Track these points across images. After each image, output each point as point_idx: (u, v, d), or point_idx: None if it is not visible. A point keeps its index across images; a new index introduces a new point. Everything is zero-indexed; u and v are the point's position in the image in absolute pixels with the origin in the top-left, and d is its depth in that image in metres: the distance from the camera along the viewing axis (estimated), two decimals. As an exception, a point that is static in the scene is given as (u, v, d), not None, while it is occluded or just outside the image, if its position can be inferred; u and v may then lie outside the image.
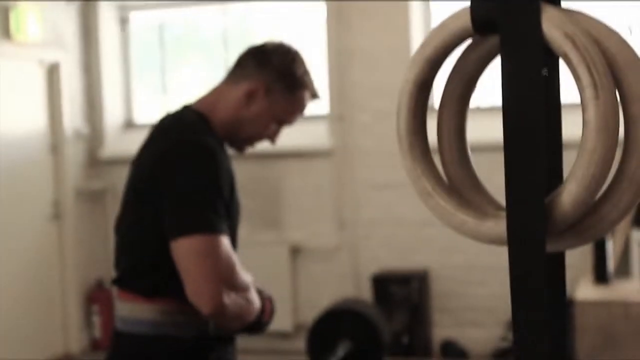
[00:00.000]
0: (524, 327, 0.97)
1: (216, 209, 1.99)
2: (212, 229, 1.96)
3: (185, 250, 1.95)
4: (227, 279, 1.99)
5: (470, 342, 5.74)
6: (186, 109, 2.21)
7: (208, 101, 2.21)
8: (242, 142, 2.22)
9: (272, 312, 2.19)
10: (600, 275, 4.25)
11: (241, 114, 2.16)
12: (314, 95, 2.23)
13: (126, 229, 2.14)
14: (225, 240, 1.99)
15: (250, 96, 2.16)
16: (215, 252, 1.96)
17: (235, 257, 2.03)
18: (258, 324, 2.13)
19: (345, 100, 5.89)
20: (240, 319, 2.07)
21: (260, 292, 2.16)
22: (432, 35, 1.05)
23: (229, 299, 1.98)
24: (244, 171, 5.81)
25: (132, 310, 2.08)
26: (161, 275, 2.05)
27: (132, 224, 2.12)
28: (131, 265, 2.12)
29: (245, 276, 2.08)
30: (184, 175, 2.01)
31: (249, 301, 2.08)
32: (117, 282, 2.14)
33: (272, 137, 2.23)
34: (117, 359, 2.15)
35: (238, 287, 2.04)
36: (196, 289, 1.95)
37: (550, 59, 1.01)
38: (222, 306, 1.96)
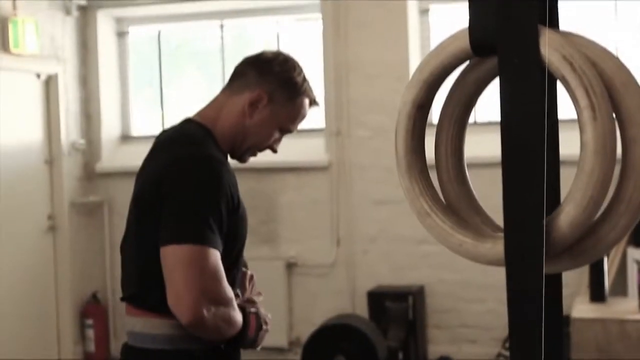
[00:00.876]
0: (521, 346, 0.98)
1: (209, 224, 1.98)
2: (201, 241, 1.96)
3: (171, 257, 1.96)
4: (210, 292, 1.97)
5: (465, 358, 5.72)
6: (188, 122, 2.21)
7: (210, 113, 2.21)
8: (245, 151, 2.22)
9: (259, 328, 2.15)
10: (597, 293, 4.24)
11: (245, 123, 2.17)
12: (314, 102, 2.25)
13: (132, 245, 2.14)
14: (213, 254, 1.98)
15: (253, 105, 2.16)
16: (201, 263, 1.95)
17: (222, 272, 2.01)
18: (241, 339, 2.11)
19: (342, 114, 5.89)
20: (219, 333, 2.05)
21: (243, 309, 2.12)
22: (430, 56, 1.06)
23: (209, 312, 1.97)
24: (240, 185, 5.80)
25: (143, 326, 2.08)
26: None
27: (137, 240, 2.12)
28: (139, 281, 2.12)
29: (229, 292, 2.06)
30: (184, 189, 2.01)
31: (230, 317, 2.05)
32: (126, 299, 2.15)
33: (274, 146, 2.24)
34: None
35: (220, 302, 2.01)
36: (176, 296, 1.95)
37: (548, 81, 1.02)
38: (201, 317, 1.95)
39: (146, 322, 2.08)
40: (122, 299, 2.16)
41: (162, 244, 1.97)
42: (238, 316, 2.08)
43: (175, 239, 1.96)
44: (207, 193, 2.01)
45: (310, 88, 2.22)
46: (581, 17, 5.37)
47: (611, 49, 1.06)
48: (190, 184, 2.01)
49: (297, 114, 2.21)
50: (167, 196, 2.01)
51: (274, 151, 2.26)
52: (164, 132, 2.25)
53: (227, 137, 2.17)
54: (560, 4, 1.06)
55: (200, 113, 2.23)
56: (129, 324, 2.13)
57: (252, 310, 2.15)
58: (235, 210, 2.08)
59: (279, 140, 2.24)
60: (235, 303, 2.08)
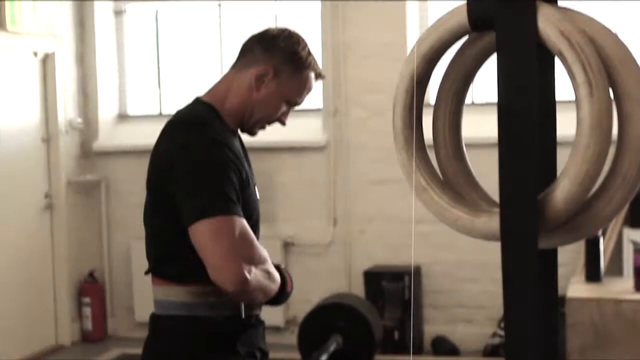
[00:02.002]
0: (516, 321, 0.98)
1: (228, 195, 2.07)
2: (223, 211, 2.04)
3: (200, 234, 2.04)
4: (245, 255, 2.06)
5: (461, 338, 5.75)
6: (197, 102, 2.28)
7: (218, 91, 2.29)
8: (253, 125, 2.29)
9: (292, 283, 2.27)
10: (593, 273, 4.25)
11: (252, 98, 2.24)
12: (319, 76, 2.30)
13: (150, 221, 2.25)
14: (238, 220, 2.06)
15: (260, 79, 2.23)
16: (229, 232, 2.04)
17: (251, 235, 2.10)
18: (282, 294, 2.21)
19: (339, 94, 5.89)
20: (264, 292, 2.13)
21: (277, 266, 2.22)
22: (428, 32, 1.06)
23: (250, 273, 2.05)
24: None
25: (165, 294, 2.17)
26: (188, 261, 2.11)
27: (154, 216, 2.22)
28: (159, 254, 2.21)
29: (263, 251, 2.15)
30: (193, 167, 2.10)
31: (269, 273, 2.15)
32: (150, 270, 2.24)
33: (282, 119, 2.31)
34: (155, 340, 2.24)
35: (256, 262, 2.10)
36: (217, 269, 2.02)
37: (545, 56, 1.02)
38: (245, 282, 2.02)
39: (165, 290, 2.18)
40: (146, 272, 2.25)
41: (188, 224, 2.05)
42: (276, 272, 2.18)
43: (197, 216, 2.04)
44: (217, 172, 2.09)
45: (315, 62, 2.28)
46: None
47: (610, 25, 1.06)
48: (199, 162, 2.10)
49: (303, 87, 2.26)
50: (179, 180, 2.10)
51: (283, 124, 2.31)
52: (176, 113, 2.30)
53: (235, 112, 2.25)
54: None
55: (209, 91, 2.30)
56: (153, 293, 2.23)
57: (282, 266, 2.25)
58: (246, 186, 2.16)
59: (287, 113, 2.30)
60: (270, 262, 2.16)
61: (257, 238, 2.22)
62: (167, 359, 2.21)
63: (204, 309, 2.15)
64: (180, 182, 2.09)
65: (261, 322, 2.29)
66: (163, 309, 2.19)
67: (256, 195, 2.26)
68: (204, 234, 2.03)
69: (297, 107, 2.32)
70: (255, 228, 2.22)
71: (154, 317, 2.24)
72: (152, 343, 2.24)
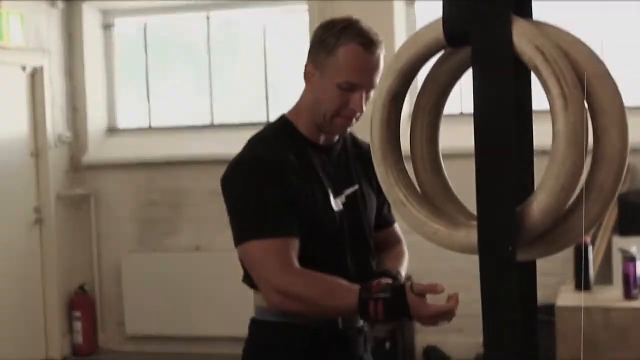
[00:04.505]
0: (495, 333, 0.99)
1: (255, 214, 2.16)
2: (245, 238, 2.17)
3: (242, 257, 2.22)
4: (267, 278, 2.14)
5: (452, 348, 5.75)
6: (278, 118, 2.35)
7: (297, 103, 2.34)
8: (328, 123, 2.24)
9: (384, 312, 2.10)
10: (582, 282, 4.27)
11: (311, 98, 2.26)
12: (364, 43, 2.17)
13: None
14: (260, 246, 2.14)
15: (307, 78, 2.26)
16: (251, 257, 2.18)
17: (271, 257, 2.13)
18: (364, 314, 2.11)
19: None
20: (311, 305, 2.13)
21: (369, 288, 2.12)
22: (405, 46, 1.06)
23: (279, 294, 2.13)
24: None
25: (259, 300, 2.26)
26: None
27: None
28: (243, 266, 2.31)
29: (290, 273, 2.14)
30: (229, 190, 2.23)
31: (303, 289, 2.13)
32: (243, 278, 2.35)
33: (351, 107, 2.20)
34: (251, 344, 2.33)
35: (284, 285, 2.13)
36: (261, 290, 2.19)
37: (521, 70, 1.03)
38: (275, 303, 2.14)
39: (258, 297, 2.27)
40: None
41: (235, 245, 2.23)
42: (341, 290, 2.13)
43: (235, 242, 2.20)
44: (246, 189, 2.19)
45: (351, 34, 2.18)
46: (556, 8, 5.38)
47: (585, 38, 1.07)
48: (232, 185, 2.22)
49: (342, 65, 2.17)
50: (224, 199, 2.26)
51: (358, 111, 2.21)
52: None
53: (307, 117, 2.27)
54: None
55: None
56: (253, 299, 2.33)
57: (381, 295, 2.11)
58: (300, 198, 2.19)
59: (357, 99, 2.19)
60: (306, 275, 2.15)
61: (336, 249, 2.24)
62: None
63: (296, 317, 2.19)
64: (226, 204, 2.24)
65: (362, 332, 2.30)
66: (259, 314, 2.28)
67: (326, 206, 2.23)
68: (242, 258, 2.21)
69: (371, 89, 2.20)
70: (325, 239, 2.23)
71: (252, 321, 2.33)
72: (249, 347, 2.33)
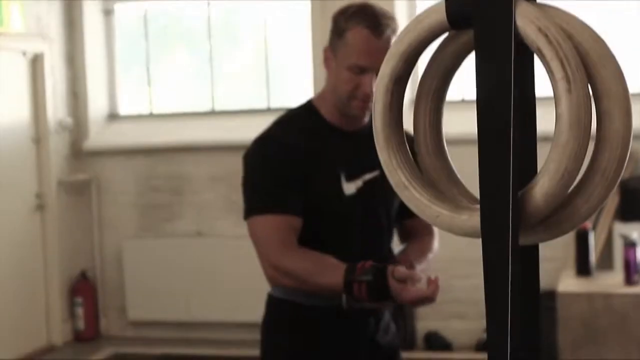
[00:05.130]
0: (497, 320, 0.98)
1: (261, 192, 2.26)
2: (248, 214, 2.26)
3: (249, 232, 2.31)
4: (266, 256, 2.23)
5: (453, 334, 5.76)
6: (306, 101, 2.40)
7: (323, 87, 2.39)
8: (347, 107, 2.28)
9: (367, 294, 2.12)
10: (583, 268, 4.27)
11: (330, 82, 2.30)
12: (371, 27, 2.20)
13: None
14: (264, 221, 2.22)
15: (326, 63, 2.31)
16: (254, 235, 2.26)
17: (271, 235, 2.21)
18: (349, 294, 2.14)
19: (329, 92, 5.88)
20: (301, 279, 2.20)
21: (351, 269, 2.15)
22: (407, 29, 1.06)
23: (276, 272, 2.22)
24: (222, 169, 5.81)
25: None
26: None
27: None
28: None
29: (286, 249, 2.21)
30: (244, 166, 2.33)
31: (294, 265, 2.20)
32: None
33: (363, 91, 2.22)
34: (265, 316, 2.43)
35: (277, 261, 2.21)
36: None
37: (524, 53, 1.02)
38: (272, 274, 2.23)
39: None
40: None
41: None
42: (331, 267, 2.16)
43: (244, 216, 2.29)
44: (254, 170, 2.29)
45: (362, 17, 2.21)
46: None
47: (589, 21, 1.06)
48: (245, 165, 2.31)
49: (350, 47, 2.21)
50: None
51: (368, 96, 2.22)
52: None
53: (329, 101, 2.31)
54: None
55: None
56: None
57: (364, 278, 2.13)
58: (310, 179, 2.24)
59: (366, 82, 2.21)
60: (299, 253, 2.22)
61: (345, 233, 2.29)
62: (269, 333, 2.41)
63: (301, 297, 2.25)
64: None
65: (372, 314, 2.32)
66: (272, 290, 2.36)
67: (336, 190, 2.27)
68: (249, 233, 2.27)
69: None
70: (333, 221, 2.28)
71: (267, 295, 2.40)
72: (265, 320, 2.42)
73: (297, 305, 2.29)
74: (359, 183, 2.29)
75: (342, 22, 2.24)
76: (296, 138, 2.27)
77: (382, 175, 2.30)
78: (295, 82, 6.17)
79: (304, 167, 2.24)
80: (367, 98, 2.21)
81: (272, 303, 2.38)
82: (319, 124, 2.30)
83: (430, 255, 2.43)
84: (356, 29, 2.20)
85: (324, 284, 2.16)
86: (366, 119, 2.31)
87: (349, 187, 2.28)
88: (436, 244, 2.46)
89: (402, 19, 5.86)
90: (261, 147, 2.29)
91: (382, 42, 2.18)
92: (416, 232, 2.45)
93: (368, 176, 2.30)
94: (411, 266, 2.24)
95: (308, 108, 2.34)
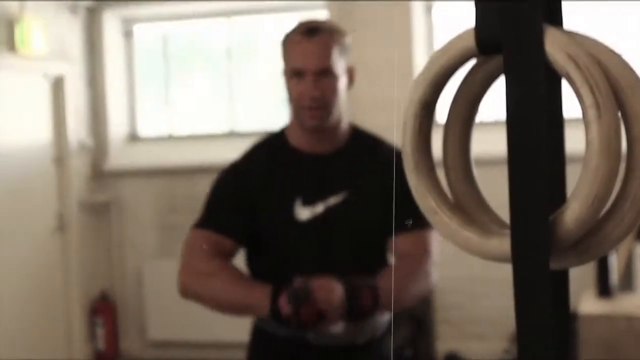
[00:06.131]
0: (529, 345, 0.99)
1: (206, 209, 2.31)
2: (193, 227, 2.31)
3: None
4: (192, 266, 2.24)
5: (473, 354, 5.73)
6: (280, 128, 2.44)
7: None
8: (303, 118, 2.28)
9: (293, 311, 2.09)
10: (604, 289, 4.25)
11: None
12: (303, 31, 2.25)
13: None
14: (195, 234, 2.28)
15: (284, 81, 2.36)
16: (184, 243, 2.31)
17: (198, 248, 2.24)
18: (274, 313, 2.12)
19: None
20: (212, 299, 2.24)
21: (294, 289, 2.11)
22: (436, 55, 1.07)
23: (192, 283, 2.24)
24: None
25: None
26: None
27: None
28: None
29: (210, 264, 2.23)
30: None
31: (213, 284, 2.22)
32: None
33: (305, 91, 2.25)
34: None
35: (193, 269, 2.25)
36: None
37: (553, 79, 1.03)
38: (184, 282, 2.26)
39: None
40: None
41: None
42: (247, 288, 2.18)
43: None
44: (209, 192, 2.35)
45: (296, 27, 2.27)
46: (586, 17, 5.37)
47: (617, 47, 1.07)
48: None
49: (288, 54, 2.29)
50: None
51: (307, 96, 2.24)
52: None
53: (295, 121, 2.33)
54: (564, 4, 1.07)
55: None
56: None
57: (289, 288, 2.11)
58: (254, 204, 2.25)
59: (302, 85, 2.24)
60: (215, 265, 2.23)
61: (302, 256, 2.24)
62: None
63: (268, 325, 2.22)
64: None
65: (344, 352, 2.20)
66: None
67: (288, 213, 2.22)
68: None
69: (307, 73, 2.25)
70: (288, 243, 2.25)
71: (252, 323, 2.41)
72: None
73: (267, 334, 2.26)
74: (318, 208, 2.23)
75: (284, 38, 2.30)
76: (254, 163, 2.31)
77: (351, 198, 2.25)
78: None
79: (254, 192, 2.25)
80: (313, 103, 2.21)
81: (252, 330, 2.38)
82: (283, 148, 2.30)
83: (404, 281, 2.26)
84: (291, 37, 2.27)
85: (234, 300, 2.18)
86: (340, 142, 2.31)
87: (304, 213, 2.23)
88: (419, 266, 2.31)
89: (419, 29, 5.87)
90: (221, 171, 2.37)
91: (314, 42, 2.22)
92: (398, 251, 2.31)
93: (333, 200, 2.24)
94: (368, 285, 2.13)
95: (278, 132, 2.36)
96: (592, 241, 1.02)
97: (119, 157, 6.50)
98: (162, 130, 6.68)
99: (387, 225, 2.23)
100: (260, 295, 2.11)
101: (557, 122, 1.08)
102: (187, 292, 2.26)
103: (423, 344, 5.58)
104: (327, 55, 2.22)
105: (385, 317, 2.29)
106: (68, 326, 6.14)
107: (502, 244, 1.00)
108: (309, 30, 2.24)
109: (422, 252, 2.31)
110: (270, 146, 2.35)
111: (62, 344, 6.11)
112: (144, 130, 6.69)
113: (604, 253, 1.04)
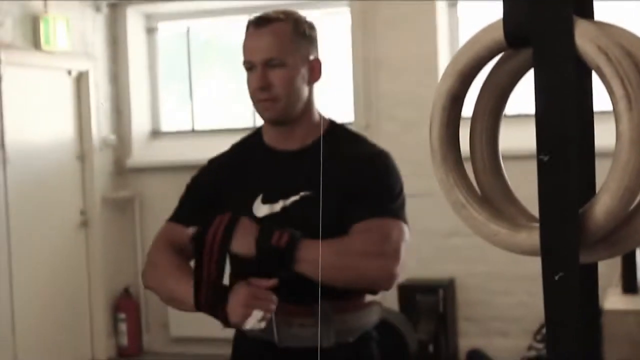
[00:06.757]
0: (558, 337, 0.98)
1: (181, 202, 2.33)
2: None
3: None
4: (148, 257, 2.30)
5: (496, 351, 5.71)
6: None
7: None
8: (259, 112, 2.23)
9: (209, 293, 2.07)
10: (629, 285, 4.22)
11: None
12: (254, 22, 2.22)
13: None
14: (164, 226, 2.30)
15: None
16: (155, 237, 2.32)
17: (162, 239, 2.26)
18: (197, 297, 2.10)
19: (370, 109, 5.89)
20: (165, 293, 2.21)
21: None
22: (464, 48, 1.06)
23: (149, 274, 2.29)
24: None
25: None
26: None
27: None
28: None
29: (159, 256, 2.24)
30: None
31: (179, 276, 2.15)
32: None
33: (253, 83, 2.18)
34: None
35: (150, 256, 2.29)
36: None
37: (583, 71, 1.02)
38: (143, 280, 2.33)
39: None
40: None
41: None
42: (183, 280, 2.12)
43: None
44: (186, 185, 2.37)
45: (252, 19, 2.24)
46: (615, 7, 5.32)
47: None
48: None
49: (243, 47, 2.25)
50: None
51: (255, 87, 2.18)
52: None
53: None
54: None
55: None
56: None
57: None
58: (221, 198, 2.23)
59: (254, 79, 2.18)
60: (174, 256, 2.21)
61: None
62: None
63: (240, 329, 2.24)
64: None
65: (272, 345, 2.16)
66: None
67: (247, 209, 2.15)
68: None
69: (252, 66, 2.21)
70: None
71: None
72: None
73: (240, 335, 2.29)
74: (277, 206, 2.14)
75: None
76: (228, 159, 2.30)
77: (310, 198, 2.08)
78: (337, 98, 6.19)
79: (223, 186, 2.23)
80: (262, 95, 2.13)
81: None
82: (257, 145, 2.26)
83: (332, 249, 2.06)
84: (246, 29, 2.22)
85: (170, 293, 2.16)
86: (309, 139, 2.18)
87: (261, 209, 2.14)
88: (374, 248, 2.18)
89: (443, 26, 5.85)
90: (199, 170, 2.38)
91: (261, 33, 2.15)
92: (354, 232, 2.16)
93: (293, 198, 2.13)
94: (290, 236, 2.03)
95: (255, 131, 2.33)
96: (621, 234, 1.01)
97: (142, 153, 6.53)
98: (185, 126, 6.70)
99: (345, 227, 2.12)
100: (187, 288, 2.06)
101: (587, 115, 1.07)
102: (145, 283, 2.32)
103: (445, 341, 5.57)
104: (275, 45, 2.13)
105: (359, 322, 2.28)
106: (91, 321, 6.17)
107: (531, 237, 1.00)
108: (257, 21, 2.18)
109: (377, 236, 2.18)
110: (248, 142, 2.32)
111: (85, 339, 6.14)
112: (166, 126, 6.72)
113: (634, 246, 1.03)
